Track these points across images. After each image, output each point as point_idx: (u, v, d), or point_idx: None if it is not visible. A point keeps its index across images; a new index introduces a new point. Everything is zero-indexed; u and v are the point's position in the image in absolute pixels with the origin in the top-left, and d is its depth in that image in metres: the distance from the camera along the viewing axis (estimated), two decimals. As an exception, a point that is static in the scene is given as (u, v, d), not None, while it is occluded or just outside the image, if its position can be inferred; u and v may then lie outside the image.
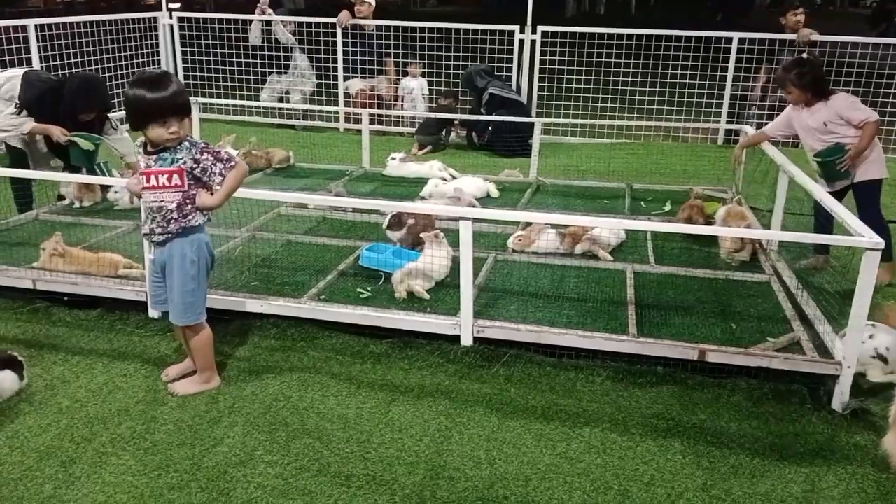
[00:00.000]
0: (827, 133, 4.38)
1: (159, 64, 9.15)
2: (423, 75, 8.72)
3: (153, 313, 3.72)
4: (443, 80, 8.64)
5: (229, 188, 2.99)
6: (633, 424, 2.99)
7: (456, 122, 8.28)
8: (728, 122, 8.07)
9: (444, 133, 8.17)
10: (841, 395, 3.11)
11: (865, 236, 3.04)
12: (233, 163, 2.99)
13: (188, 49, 9.20)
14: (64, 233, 4.19)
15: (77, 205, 5.34)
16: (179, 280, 3.00)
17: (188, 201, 2.95)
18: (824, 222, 4.39)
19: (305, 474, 2.63)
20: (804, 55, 4.46)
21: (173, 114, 2.84)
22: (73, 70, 7.76)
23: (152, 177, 2.93)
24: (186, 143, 2.92)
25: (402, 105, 8.73)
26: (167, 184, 2.91)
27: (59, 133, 4.93)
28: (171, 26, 9.13)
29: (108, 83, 7.59)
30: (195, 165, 2.92)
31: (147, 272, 3.34)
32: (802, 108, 4.51)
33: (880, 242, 2.97)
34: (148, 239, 3.12)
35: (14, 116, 4.92)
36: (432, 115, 8.00)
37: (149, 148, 2.95)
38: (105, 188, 5.49)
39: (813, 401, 3.17)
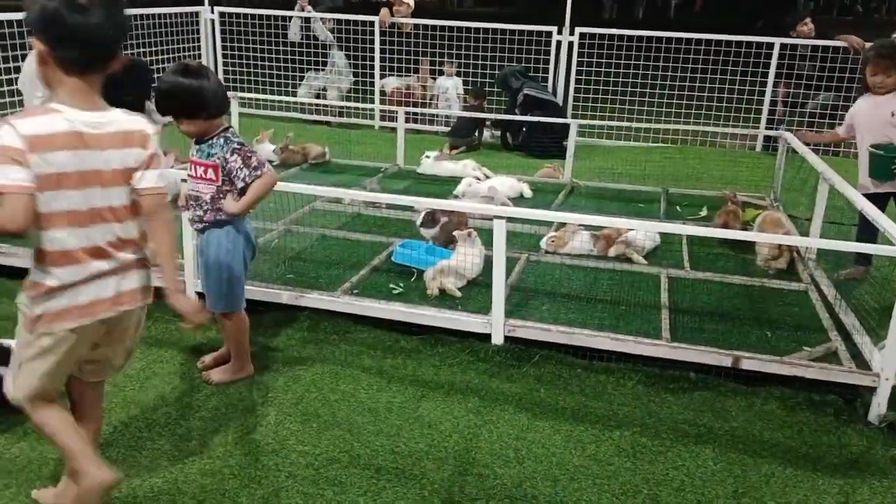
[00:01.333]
0: (890, 126, 4.24)
1: (200, 58, 9.28)
2: (458, 75, 8.74)
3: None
4: (478, 80, 8.64)
5: (253, 197, 2.97)
6: (664, 429, 2.98)
7: (488, 122, 8.28)
8: (767, 128, 7.96)
9: (476, 133, 8.17)
10: (878, 408, 3.06)
11: (908, 247, 2.98)
12: (260, 171, 2.94)
13: (228, 45, 9.33)
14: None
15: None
16: (214, 267, 3.05)
17: (221, 195, 2.98)
18: (867, 233, 4.30)
19: (336, 465, 2.66)
20: (890, 41, 4.24)
21: (181, 111, 2.88)
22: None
23: (193, 166, 3.00)
24: (222, 140, 2.94)
25: (437, 104, 8.76)
26: (203, 176, 2.98)
27: None
28: (213, 21, 9.26)
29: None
30: (225, 164, 2.93)
31: (188, 257, 3.41)
32: (871, 97, 4.36)
33: (924, 253, 2.91)
34: (191, 225, 3.19)
35: None
36: (466, 114, 8.01)
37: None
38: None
39: (849, 412, 3.11)
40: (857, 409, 3.12)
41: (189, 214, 3.12)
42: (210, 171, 2.96)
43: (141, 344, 3.46)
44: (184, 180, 3.16)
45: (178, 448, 2.73)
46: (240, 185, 2.95)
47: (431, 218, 4.55)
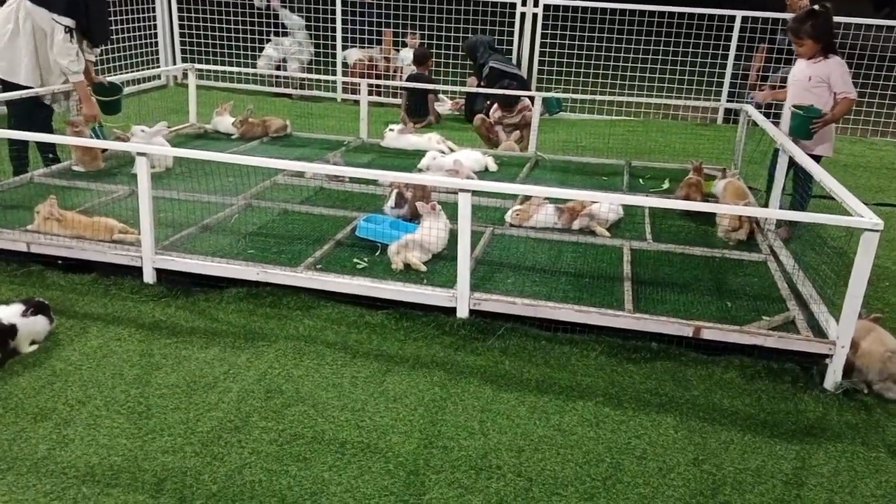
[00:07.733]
0: (806, 90, 4.48)
1: (156, 29, 9.02)
2: (420, 46, 8.64)
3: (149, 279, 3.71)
4: (442, 51, 8.55)
5: None
6: (627, 399, 3.01)
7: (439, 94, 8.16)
8: (728, 101, 8.03)
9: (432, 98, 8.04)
10: (834, 375, 3.13)
11: (865, 217, 3.03)
12: None
13: (185, 14, 9.08)
14: (59, 196, 4.16)
15: (78, 169, 5.26)
16: None
17: None
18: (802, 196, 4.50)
19: (300, 441, 2.64)
20: (816, 6, 4.45)
21: None
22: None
23: None
24: None
25: (400, 76, 8.65)
26: None
27: (89, 110, 5.07)
28: (168, -10, 9.00)
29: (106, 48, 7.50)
30: None
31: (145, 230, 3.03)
32: (801, 61, 4.57)
33: (879, 223, 2.97)
34: None
35: (71, 44, 4.76)
36: (420, 85, 7.90)
37: None
38: (105, 152, 5.44)
39: (805, 380, 3.18)
40: (813, 376, 3.19)
41: None
42: None
43: (97, 321, 3.40)
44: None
45: (137, 426, 2.69)
46: None
47: (402, 198, 4.50)
